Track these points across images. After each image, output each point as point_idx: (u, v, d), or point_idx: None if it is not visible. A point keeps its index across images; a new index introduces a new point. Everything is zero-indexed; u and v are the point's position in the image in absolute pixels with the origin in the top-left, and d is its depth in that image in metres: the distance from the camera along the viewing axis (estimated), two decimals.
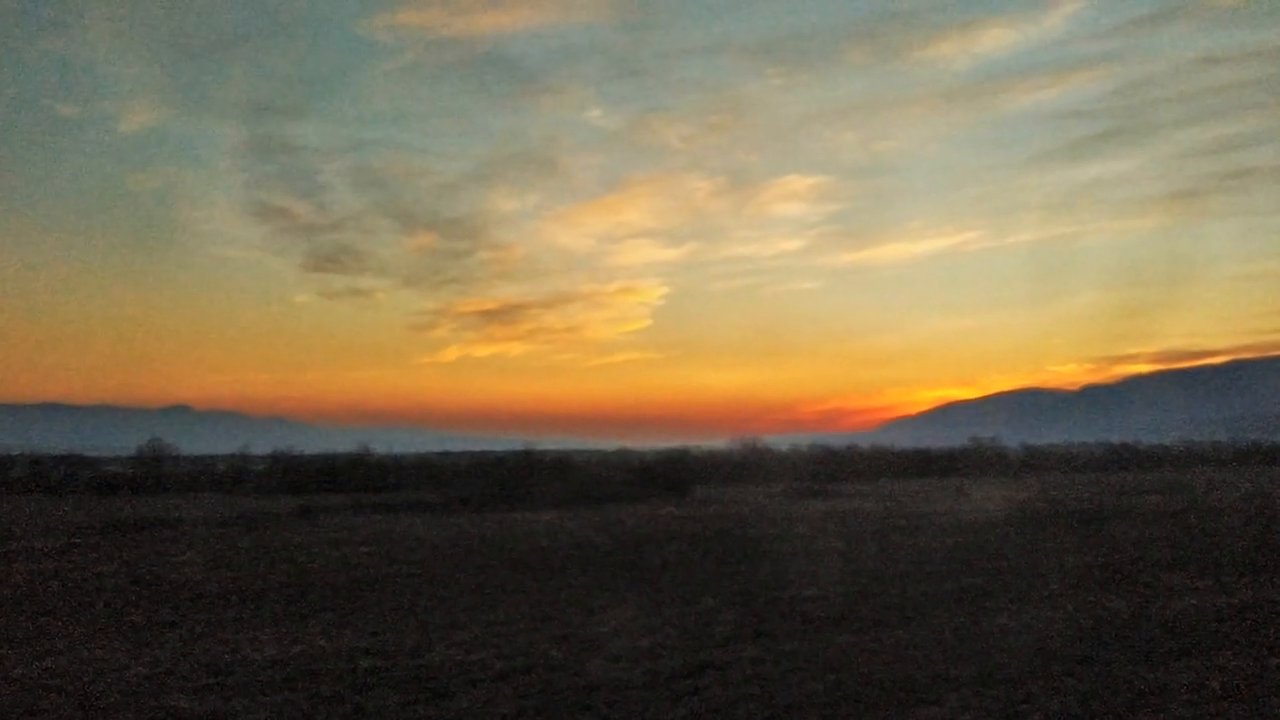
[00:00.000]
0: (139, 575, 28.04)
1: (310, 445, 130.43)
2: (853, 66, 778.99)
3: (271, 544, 37.01)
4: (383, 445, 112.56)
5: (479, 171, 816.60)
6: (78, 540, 39.75)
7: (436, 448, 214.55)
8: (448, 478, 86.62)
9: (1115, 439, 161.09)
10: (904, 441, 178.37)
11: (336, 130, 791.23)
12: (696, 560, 29.41)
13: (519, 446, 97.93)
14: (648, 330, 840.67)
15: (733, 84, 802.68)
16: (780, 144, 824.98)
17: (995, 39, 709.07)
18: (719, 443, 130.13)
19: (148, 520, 48.97)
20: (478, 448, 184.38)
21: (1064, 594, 20.91)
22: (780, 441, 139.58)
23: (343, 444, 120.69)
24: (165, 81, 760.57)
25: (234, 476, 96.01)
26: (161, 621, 20.01)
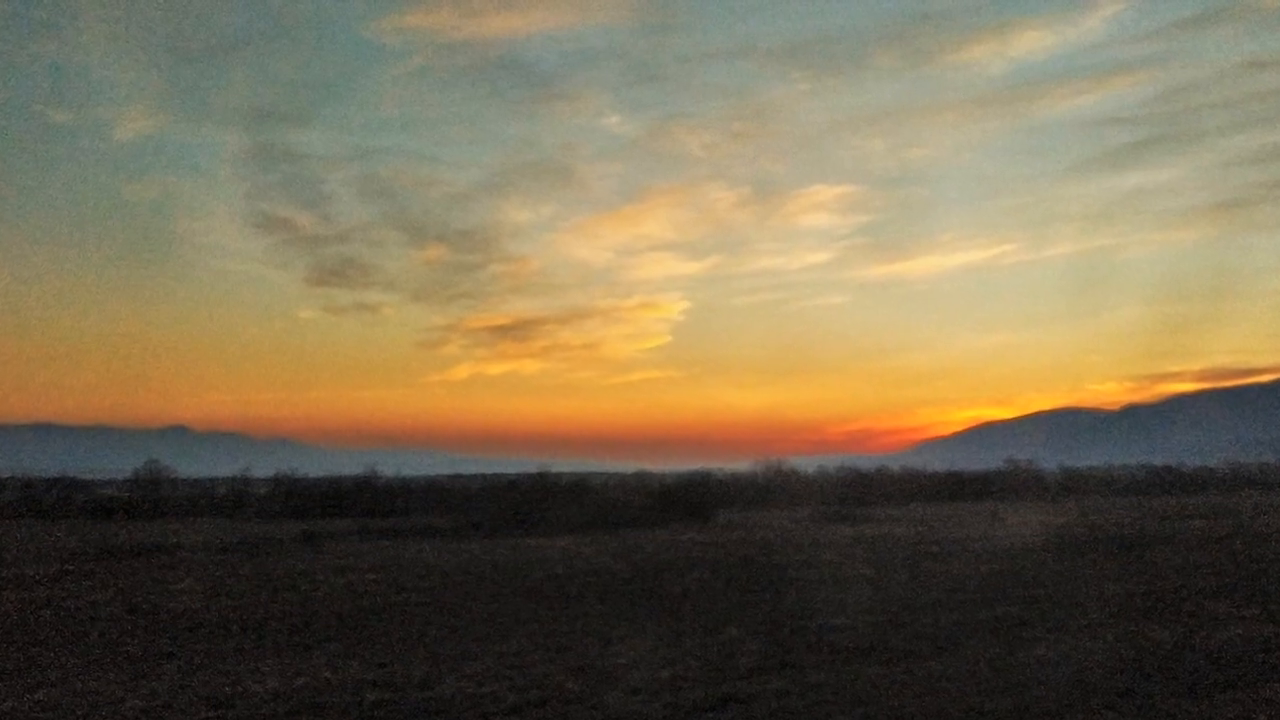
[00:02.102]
0: (135, 604, 28.13)
1: (315, 468, 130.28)
2: (882, 71, 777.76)
3: (274, 571, 37.08)
4: (390, 468, 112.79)
5: (491, 181, 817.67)
6: (71, 567, 39.89)
7: (447, 470, 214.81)
8: (458, 501, 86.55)
9: (1158, 461, 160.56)
10: (936, 464, 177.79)
11: (342, 138, 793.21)
12: (719, 588, 29.39)
13: (533, 469, 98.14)
14: (668, 347, 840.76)
15: (757, 89, 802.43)
16: (807, 152, 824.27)
17: (1031, 42, 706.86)
18: (742, 465, 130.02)
19: (144, 546, 49.12)
20: (490, 470, 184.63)
21: (1104, 624, 20.84)
22: (807, 464, 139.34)
23: (349, 466, 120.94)
24: (163, 87, 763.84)
25: (235, 500, 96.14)
26: (159, 652, 20.06)
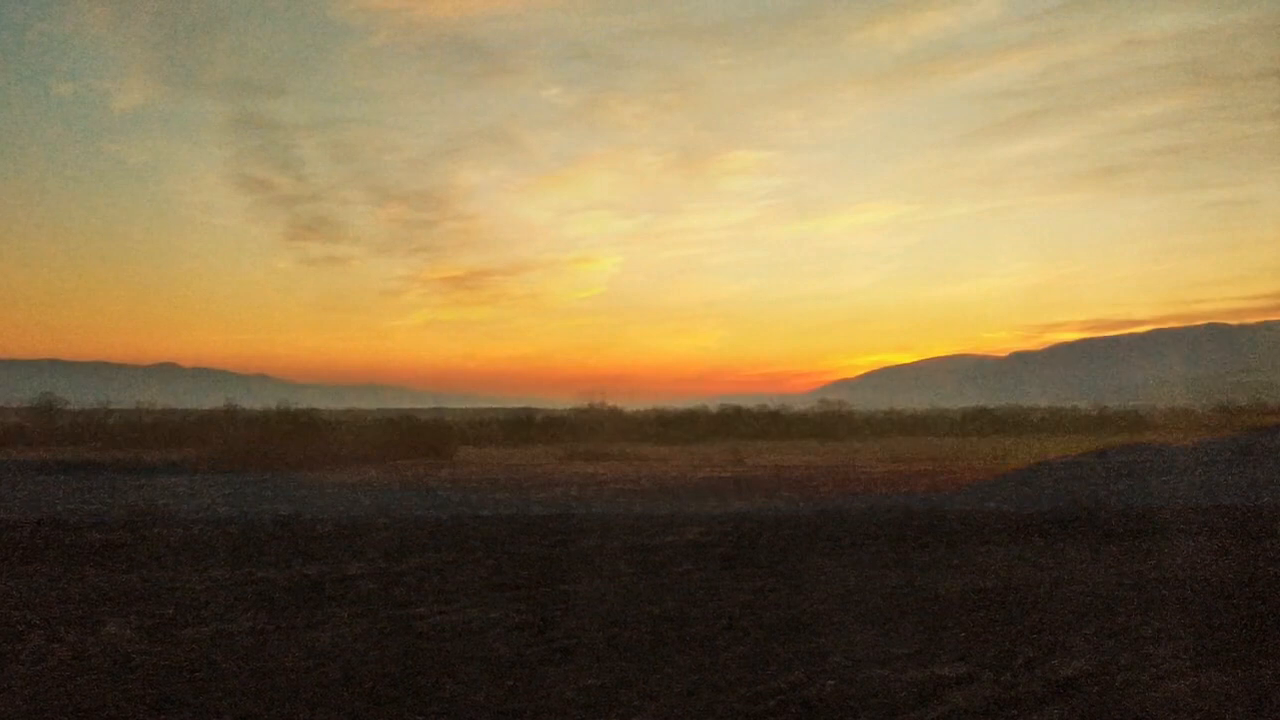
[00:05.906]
0: None
1: (291, 401, 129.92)
2: (796, 48, 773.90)
3: None
4: (343, 403, 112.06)
5: (445, 147, 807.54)
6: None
7: (410, 404, 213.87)
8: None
9: (1043, 404, 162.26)
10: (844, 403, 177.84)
11: (313, 107, 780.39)
12: None
13: (485, 404, 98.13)
14: (602, 296, 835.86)
15: (684, 65, 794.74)
16: (729, 121, 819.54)
17: (930, 22, 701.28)
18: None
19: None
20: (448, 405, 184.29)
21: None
22: (725, 403, 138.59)
23: (321, 400, 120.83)
24: (156, 60, 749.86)
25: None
26: None
